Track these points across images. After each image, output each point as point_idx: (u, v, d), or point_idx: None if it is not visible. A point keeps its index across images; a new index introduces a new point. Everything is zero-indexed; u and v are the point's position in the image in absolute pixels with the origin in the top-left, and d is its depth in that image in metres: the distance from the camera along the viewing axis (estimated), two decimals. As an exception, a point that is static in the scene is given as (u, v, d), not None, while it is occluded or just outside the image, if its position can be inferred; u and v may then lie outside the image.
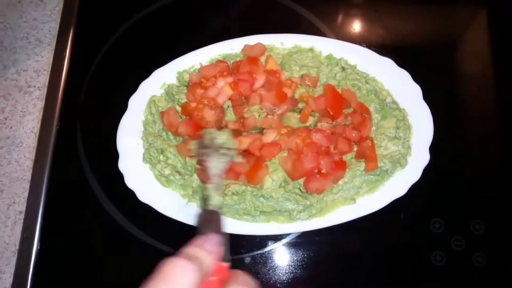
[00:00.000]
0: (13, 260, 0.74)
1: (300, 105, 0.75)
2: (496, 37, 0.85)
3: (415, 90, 0.75)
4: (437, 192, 0.75)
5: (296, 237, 0.73)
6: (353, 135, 0.71)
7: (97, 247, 0.75)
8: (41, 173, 0.78)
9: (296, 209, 0.69)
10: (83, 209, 0.77)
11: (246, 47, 0.78)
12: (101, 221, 0.75)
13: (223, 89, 0.72)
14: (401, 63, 0.76)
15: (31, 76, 0.87)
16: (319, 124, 0.71)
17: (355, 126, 0.72)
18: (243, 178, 0.71)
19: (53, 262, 0.74)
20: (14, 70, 0.88)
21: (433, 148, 0.72)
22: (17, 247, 0.75)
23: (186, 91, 0.76)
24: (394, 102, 0.76)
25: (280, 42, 0.79)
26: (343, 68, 0.77)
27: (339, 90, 0.75)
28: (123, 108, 0.76)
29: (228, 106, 0.75)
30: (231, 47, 0.79)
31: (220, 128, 0.71)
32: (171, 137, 0.75)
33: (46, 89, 0.84)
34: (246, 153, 0.70)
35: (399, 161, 0.71)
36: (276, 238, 0.73)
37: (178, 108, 0.76)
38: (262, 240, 0.73)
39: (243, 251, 0.72)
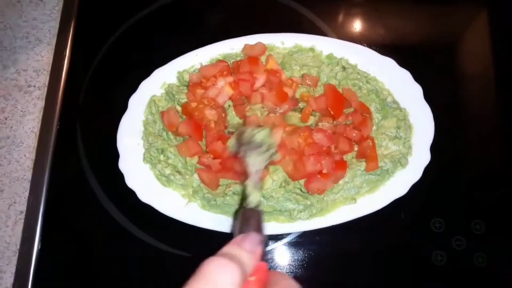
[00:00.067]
0: (14, 259, 0.75)
1: (301, 105, 0.75)
2: (496, 37, 0.85)
3: (416, 90, 0.75)
4: (437, 192, 0.75)
5: (296, 236, 0.73)
6: (354, 134, 0.71)
7: (97, 247, 0.75)
8: (41, 173, 0.78)
9: (296, 208, 0.69)
10: (83, 209, 0.77)
11: (247, 47, 0.77)
12: (101, 221, 0.75)
13: (223, 89, 0.71)
14: (402, 63, 0.76)
15: (31, 76, 0.87)
16: (320, 124, 0.71)
17: (355, 126, 0.72)
18: (244, 177, 0.70)
19: (54, 261, 0.74)
20: (14, 69, 0.88)
21: (433, 148, 0.72)
22: (18, 247, 0.75)
23: (186, 90, 0.76)
24: (395, 101, 0.76)
25: (281, 42, 0.79)
26: (343, 68, 0.77)
27: (340, 90, 0.75)
28: (123, 108, 0.75)
29: (229, 106, 0.75)
30: (231, 47, 0.78)
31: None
32: (172, 137, 0.75)
33: (46, 88, 0.84)
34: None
35: (400, 161, 0.71)
36: (277, 237, 0.73)
37: (178, 108, 0.76)
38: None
39: (244, 251, 0.72)
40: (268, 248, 0.73)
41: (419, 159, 0.72)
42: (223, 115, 0.73)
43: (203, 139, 0.73)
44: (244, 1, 0.90)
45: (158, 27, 0.87)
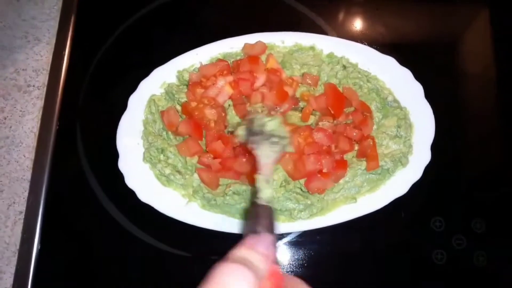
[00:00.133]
0: (14, 260, 0.74)
1: (301, 104, 0.74)
2: (497, 37, 0.85)
3: (417, 89, 0.75)
4: (438, 191, 0.74)
5: (297, 236, 0.73)
6: (354, 134, 0.70)
7: (97, 247, 0.75)
8: (41, 173, 0.78)
9: (296, 208, 0.69)
10: (83, 209, 0.76)
11: (247, 46, 0.77)
12: (101, 221, 0.75)
13: (223, 88, 0.71)
14: (402, 62, 0.76)
15: (30, 76, 0.87)
16: (320, 123, 0.71)
17: (356, 125, 0.72)
18: (244, 177, 0.70)
19: (54, 262, 0.74)
20: (13, 69, 0.87)
21: (434, 147, 0.72)
22: (18, 247, 0.75)
23: (186, 90, 0.75)
24: (395, 100, 0.75)
25: (281, 41, 0.78)
26: (344, 67, 0.77)
27: (340, 89, 0.75)
28: (123, 107, 0.75)
29: (229, 105, 0.75)
30: (231, 46, 0.78)
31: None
32: (171, 136, 0.75)
33: (45, 88, 0.83)
34: (246, 152, 0.69)
35: (400, 160, 0.71)
36: (277, 237, 0.73)
37: (178, 107, 0.76)
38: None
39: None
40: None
41: (420, 158, 0.71)
42: (223, 114, 0.73)
43: (203, 139, 0.73)
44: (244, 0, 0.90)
45: (158, 26, 0.87)
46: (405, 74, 0.76)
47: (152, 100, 0.76)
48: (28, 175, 0.80)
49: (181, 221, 0.70)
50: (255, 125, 0.58)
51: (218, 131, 0.72)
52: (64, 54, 0.84)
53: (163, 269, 0.73)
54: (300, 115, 0.73)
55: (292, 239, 0.73)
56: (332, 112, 0.71)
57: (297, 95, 0.75)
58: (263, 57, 0.76)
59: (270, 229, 0.42)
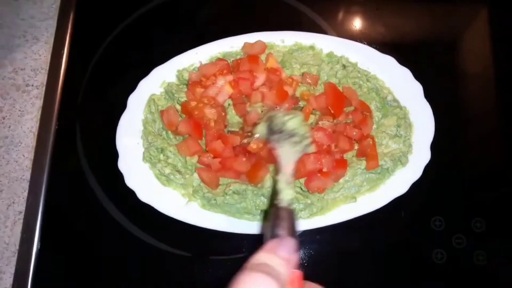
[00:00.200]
0: (13, 260, 0.74)
1: (301, 104, 0.74)
2: (497, 36, 0.85)
3: (416, 88, 0.75)
4: (438, 190, 0.75)
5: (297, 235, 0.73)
6: (354, 133, 0.70)
7: (97, 247, 0.75)
8: (40, 173, 0.78)
9: (297, 207, 0.69)
10: (83, 209, 0.76)
11: (246, 45, 0.77)
12: (101, 221, 0.75)
13: (223, 87, 0.71)
14: (402, 61, 0.76)
15: (29, 75, 0.87)
16: (320, 123, 0.71)
17: (356, 124, 0.72)
18: (244, 176, 0.70)
19: (53, 262, 0.73)
20: (12, 68, 0.87)
21: (434, 146, 0.72)
22: (17, 247, 0.74)
23: (186, 89, 0.75)
24: (395, 100, 0.75)
25: (281, 40, 0.78)
26: (344, 66, 0.77)
27: (340, 88, 0.74)
28: (122, 107, 0.75)
29: (229, 105, 0.74)
30: (231, 45, 0.78)
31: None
32: (171, 136, 0.74)
33: (44, 88, 0.83)
34: (246, 152, 0.69)
35: (400, 160, 0.71)
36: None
37: (178, 107, 0.75)
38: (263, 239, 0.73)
39: (244, 250, 0.72)
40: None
41: (419, 157, 0.71)
42: (223, 113, 0.73)
43: (203, 138, 0.73)
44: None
45: (157, 25, 0.87)
46: (405, 74, 0.76)
47: (151, 100, 0.76)
48: (27, 175, 0.79)
49: (181, 220, 0.69)
50: (275, 123, 0.56)
51: (218, 131, 0.72)
52: (63, 53, 0.84)
53: (163, 269, 0.73)
54: (300, 114, 0.73)
55: (292, 238, 0.73)
56: (332, 111, 0.71)
57: (297, 94, 0.75)
58: (263, 57, 0.76)
59: (292, 232, 0.41)
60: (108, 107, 0.78)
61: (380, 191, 0.71)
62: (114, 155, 0.72)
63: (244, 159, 0.69)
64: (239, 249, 0.72)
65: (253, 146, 0.67)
